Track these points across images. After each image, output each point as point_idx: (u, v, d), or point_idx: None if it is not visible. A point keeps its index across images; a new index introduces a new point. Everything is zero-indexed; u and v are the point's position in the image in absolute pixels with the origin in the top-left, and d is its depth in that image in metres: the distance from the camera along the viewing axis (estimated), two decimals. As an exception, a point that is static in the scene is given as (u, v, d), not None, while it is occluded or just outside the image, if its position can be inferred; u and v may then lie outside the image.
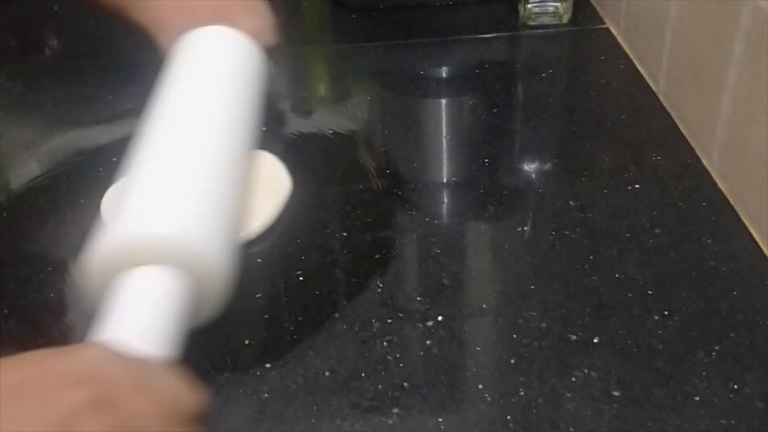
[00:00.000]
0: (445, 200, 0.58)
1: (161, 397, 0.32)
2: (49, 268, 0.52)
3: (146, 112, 0.52)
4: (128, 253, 0.40)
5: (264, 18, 0.62)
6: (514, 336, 0.45)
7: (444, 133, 0.66)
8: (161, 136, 0.49)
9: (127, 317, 0.38)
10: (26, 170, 0.61)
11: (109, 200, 0.56)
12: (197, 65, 0.56)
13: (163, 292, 0.39)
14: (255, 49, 0.60)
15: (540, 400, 0.41)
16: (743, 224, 0.52)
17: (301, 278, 0.50)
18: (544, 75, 0.73)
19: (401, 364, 0.44)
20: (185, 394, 0.33)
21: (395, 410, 0.41)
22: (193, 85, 0.54)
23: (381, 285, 0.49)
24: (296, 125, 0.66)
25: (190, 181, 0.45)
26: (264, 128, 0.58)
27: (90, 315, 0.39)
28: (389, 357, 0.44)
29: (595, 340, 0.44)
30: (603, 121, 0.65)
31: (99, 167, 0.61)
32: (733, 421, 0.40)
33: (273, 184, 0.56)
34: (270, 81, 0.61)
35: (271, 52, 0.62)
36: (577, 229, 0.53)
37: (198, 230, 0.42)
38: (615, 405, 0.41)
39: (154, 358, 0.36)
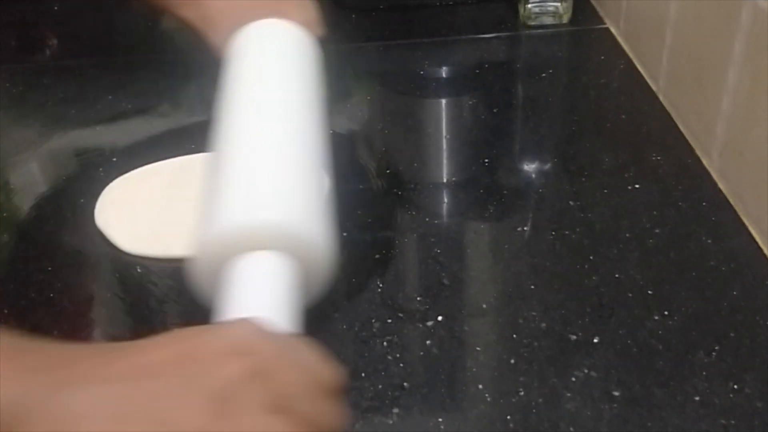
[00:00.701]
0: (445, 200, 0.58)
1: (308, 370, 0.33)
2: (49, 268, 0.52)
3: (217, 107, 0.51)
4: (240, 240, 0.40)
5: (312, 11, 0.63)
6: (514, 336, 0.45)
7: (444, 133, 0.66)
8: (243, 127, 0.49)
9: (253, 299, 0.38)
10: (26, 170, 0.61)
11: (104, 203, 0.56)
12: (262, 57, 0.56)
13: (280, 275, 0.40)
14: (311, 39, 0.60)
15: (540, 400, 0.41)
16: (743, 224, 0.52)
17: (301, 278, 0.50)
18: (544, 75, 0.73)
19: (401, 364, 0.44)
20: (327, 368, 0.34)
21: (395, 410, 0.41)
22: (264, 77, 0.54)
23: (381, 285, 0.49)
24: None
25: (286, 168, 0.46)
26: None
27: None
28: (389, 357, 0.44)
29: (595, 340, 0.44)
30: (603, 121, 0.65)
31: (99, 167, 0.61)
32: (733, 421, 0.40)
33: None
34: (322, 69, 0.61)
35: (319, 43, 0.62)
36: (577, 229, 0.53)
37: (303, 216, 0.43)
38: (615, 405, 0.41)
39: (293, 334, 0.37)
